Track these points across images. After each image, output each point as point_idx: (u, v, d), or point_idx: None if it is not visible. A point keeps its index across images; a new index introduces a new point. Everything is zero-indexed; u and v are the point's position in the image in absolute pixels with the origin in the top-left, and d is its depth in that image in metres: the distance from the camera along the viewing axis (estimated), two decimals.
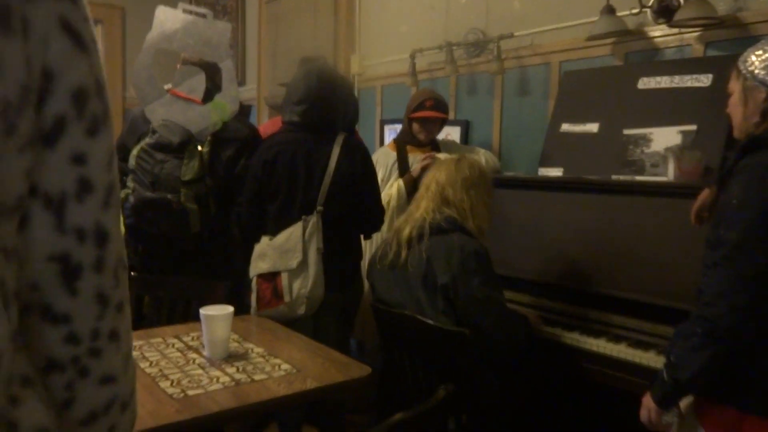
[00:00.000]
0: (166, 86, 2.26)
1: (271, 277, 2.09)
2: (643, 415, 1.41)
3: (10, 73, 0.43)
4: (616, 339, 1.89)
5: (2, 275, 0.45)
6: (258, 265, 2.12)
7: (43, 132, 0.46)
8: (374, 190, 2.26)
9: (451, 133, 3.05)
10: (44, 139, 0.46)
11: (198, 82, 2.22)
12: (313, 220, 2.09)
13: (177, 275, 2.29)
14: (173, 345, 1.76)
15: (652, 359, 1.75)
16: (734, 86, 1.41)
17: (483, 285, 1.81)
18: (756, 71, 1.33)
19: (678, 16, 2.17)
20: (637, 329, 1.89)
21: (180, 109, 2.16)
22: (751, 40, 1.41)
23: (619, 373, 1.81)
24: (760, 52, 1.34)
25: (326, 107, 2.13)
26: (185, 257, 2.35)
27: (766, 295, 1.23)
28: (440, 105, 2.68)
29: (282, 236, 2.09)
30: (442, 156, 2.65)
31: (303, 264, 2.07)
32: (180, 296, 2.21)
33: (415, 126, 2.70)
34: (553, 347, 1.96)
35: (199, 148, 2.22)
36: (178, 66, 2.32)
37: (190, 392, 1.42)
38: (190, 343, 1.77)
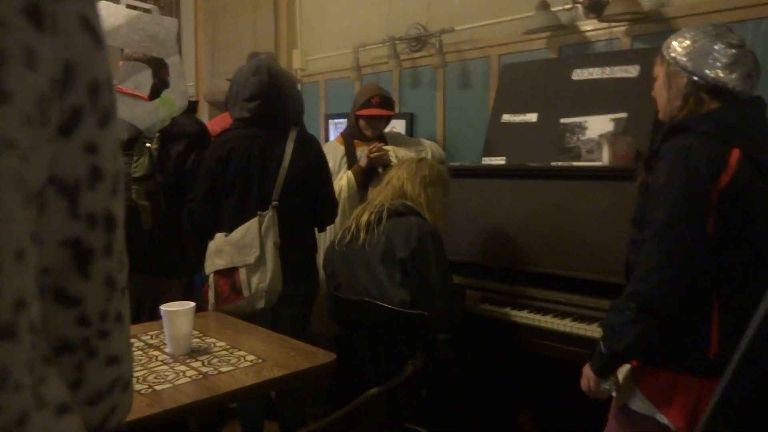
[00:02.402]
0: None
1: (229, 272, 2.10)
2: (584, 383, 1.51)
3: (44, 67, 0.45)
4: (562, 315, 2.01)
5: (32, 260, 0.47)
6: (215, 262, 2.12)
7: (61, 122, 0.48)
8: (328, 183, 2.30)
9: (396, 126, 3.12)
10: (61, 129, 0.48)
11: (144, 78, 2.18)
12: (269, 214, 2.10)
13: (129, 273, 2.24)
14: (132, 344, 1.74)
15: (596, 331, 1.87)
16: (659, 71, 1.50)
17: (437, 264, 1.93)
18: (678, 57, 1.43)
19: (607, 11, 2.32)
20: (581, 304, 2.02)
21: (126, 106, 2.12)
22: (672, 33, 1.55)
23: (564, 345, 1.93)
24: (681, 39, 1.44)
25: (278, 102, 2.15)
26: (137, 255, 2.30)
27: (692, 269, 1.33)
28: (386, 102, 2.73)
29: (238, 232, 2.10)
30: (388, 147, 2.72)
31: (260, 258, 2.08)
32: (132, 295, 2.17)
33: (362, 122, 2.74)
34: (502, 325, 2.07)
35: (148, 144, 2.20)
36: (121, 63, 2.28)
37: (158, 387, 1.42)
38: (150, 341, 1.76)
